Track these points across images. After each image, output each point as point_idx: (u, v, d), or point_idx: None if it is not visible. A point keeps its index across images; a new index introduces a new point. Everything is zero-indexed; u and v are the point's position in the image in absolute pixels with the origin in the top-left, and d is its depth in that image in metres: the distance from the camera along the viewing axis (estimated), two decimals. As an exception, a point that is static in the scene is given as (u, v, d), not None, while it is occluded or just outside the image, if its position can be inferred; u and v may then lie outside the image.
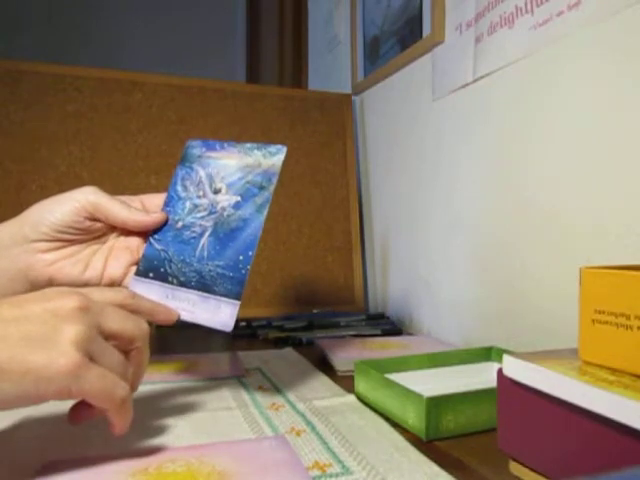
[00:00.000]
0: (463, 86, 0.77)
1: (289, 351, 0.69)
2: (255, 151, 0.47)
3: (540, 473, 0.33)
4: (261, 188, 0.45)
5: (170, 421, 0.44)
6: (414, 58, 0.90)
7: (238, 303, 0.42)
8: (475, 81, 0.74)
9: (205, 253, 0.44)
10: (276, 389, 0.53)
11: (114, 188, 0.92)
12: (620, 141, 0.53)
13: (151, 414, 0.46)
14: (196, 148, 0.49)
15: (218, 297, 0.43)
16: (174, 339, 0.82)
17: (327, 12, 1.33)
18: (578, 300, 0.34)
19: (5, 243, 0.44)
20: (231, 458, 0.36)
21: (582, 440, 0.30)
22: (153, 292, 0.44)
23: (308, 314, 0.93)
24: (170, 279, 0.44)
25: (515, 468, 0.35)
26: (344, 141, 1.10)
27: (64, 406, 0.47)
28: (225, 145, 0.48)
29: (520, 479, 0.35)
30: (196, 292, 0.43)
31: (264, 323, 0.85)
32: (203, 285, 0.43)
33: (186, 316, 0.43)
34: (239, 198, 0.45)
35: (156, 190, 0.99)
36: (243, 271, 0.43)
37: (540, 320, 0.62)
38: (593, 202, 0.56)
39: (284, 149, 0.46)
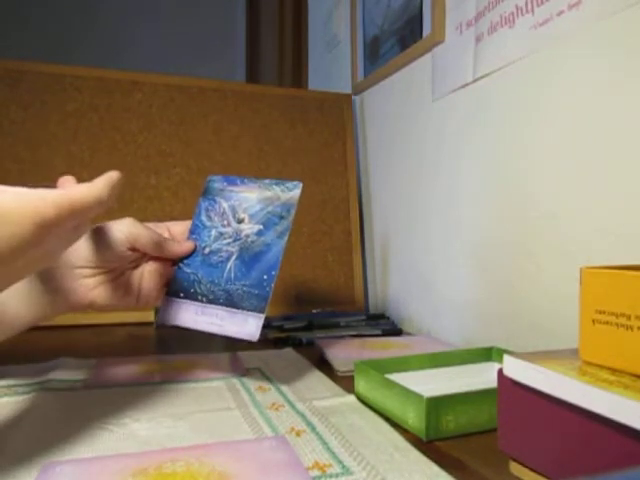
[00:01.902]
0: (463, 86, 0.77)
1: (289, 351, 0.69)
2: (274, 186, 0.52)
3: (540, 473, 0.33)
4: (281, 217, 0.50)
5: (170, 421, 0.44)
6: (414, 58, 0.90)
7: (262, 316, 0.47)
8: (475, 81, 0.74)
9: (232, 275, 0.49)
10: (276, 389, 0.53)
11: (114, 188, 0.93)
12: (620, 141, 0.53)
13: (151, 414, 0.46)
14: (217, 182, 0.54)
15: (245, 312, 0.47)
16: (174, 339, 0.82)
17: (327, 12, 1.33)
18: (578, 300, 0.34)
19: (50, 267, 0.48)
20: (231, 458, 0.36)
21: (582, 440, 0.30)
22: (184, 309, 0.49)
23: (308, 314, 0.93)
24: (200, 298, 0.49)
25: (515, 468, 0.35)
26: (344, 141, 1.10)
27: (64, 407, 0.47)
28: (245, 180, 0.53)
29: (520, 479, 0.35)
30: (224, 308, 0.48)
31: (264, 323, 0.85)
32: (231, 302, 0.48)
33: (215, 329, 0.47)
34: (261, 226, 0.50)
35: (156, 190, 0.99)
36: (267, 289, 0.48)
37: (540, 320, 0.62)
38: (593, 202, 0.56)
39: (300, 185, 0.51)
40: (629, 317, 0.30)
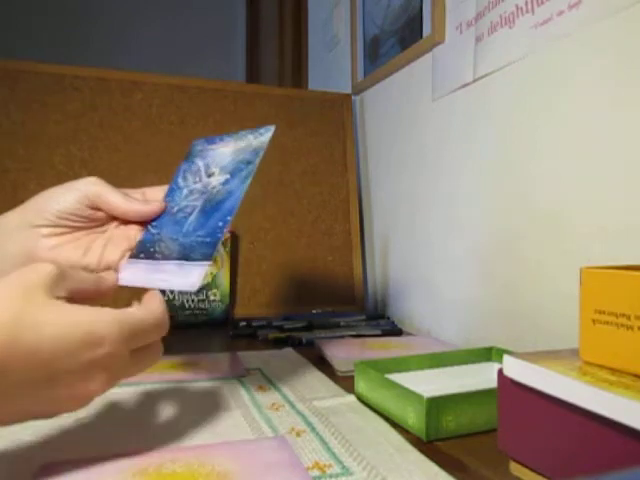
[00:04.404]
0: (463, 86, 0.77)
1: (289, 351, 0.69)
2: (248, 135, 0.50)
3: (540, 473, 0.33)
4: (248, 163, 0.47)
5: (170, 421, 0.44)
6: (414, 58, 0.90)
7: (207, 263, 0.43)
8: (475, 81, 0.74)
9: (191, 227, 0.46)
10: (276, 389, 0.53)
11: (114, 188, 0.93)
12: (621, 140, 0.53)
13: (151, 414, 0.46)
14: (199, 145, 0.53)
15: (193, 262, 0.44)
16: (174, 339, 0.82)
17: (327, 12, 1.33)
18: (578, 300, 0.34)
19: (10, 228, 0.46)
20: (231, 458, 0.36)
21: (582, 440, 0.30)
22: (140, 270, 0.46)
23: (308, 314, 0.93)
24: (157, 255, 0.46)
25: (515, 468, 0.35)
26: (344, 141, 1.10)
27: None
28: (224, 137, 0.51)
29: (520, 479, 0.35)
30: (176, 262, 0.45)
31: (264, 323, 0.85)
32: (183, 255, 0.45)
33: (164, 285, 0.44)
34: (228, 176, 0.48)
35: (156, 190, 0.99)
36: (219, 234, 0.44)
37: (540, 320, 0.62)
38: (594, 202, 0.56)
39: (272, 128, 0.48)
40: (629, 317, 0.30)
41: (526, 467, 0.34)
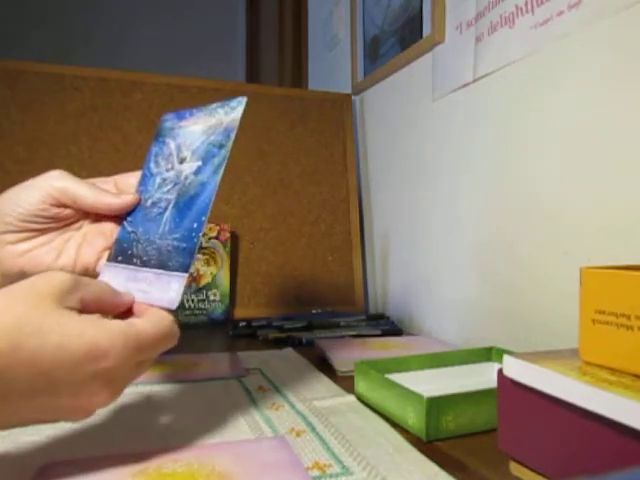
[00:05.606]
0: (463, 86, 0.77)
1: (289, 351, 0.69)
2: (219, 110, 0.44)
3: (540, 473, 0.33)
4: (220, 147, 0.43)
5: (170, 421, 0.44)
6: (414, 58, 0.90)
7: (185, 276, 0.39)
8: (475, 81, 0.74)
9: (167, 228, 0.42)
10: (276, 389, 0.53)
11: (114, 188, 0.93)
12: (621, 140, 0.53)
13: (151, 414, 0.46)
14: (169, 121, 0.47)
15: (170, 273, 0.40)
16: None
17: (327, 12, 1.33)
18: (578, 300, 0.34)
19: None
20: (231, 458, 0.36)
21: (582, 440, 0.30)
22: (120, 276, 0.42)
23: (308, 314, 0.93)
24: (134, 260, 0.42)
25: (515, 468, 0.35)
26: (344, 141, 1.10)
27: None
28: (194, 111, 0.46)
29: (520, 479, 0.35)
30: (153, 270, 0.41)
31: (264, 323, 0.85)
32: (160, 262, 0.41)
33: (141, 297, 0.40)
34: (200, 162, 0.43)
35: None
36: (195, 240, 0.40)
37: (540, 320, 0.62)
38: (594, 202, 0.56)
39: (244, 100, 0.44)
40: (629, 317, 0.30)
41: (526, 467, 0.34)
